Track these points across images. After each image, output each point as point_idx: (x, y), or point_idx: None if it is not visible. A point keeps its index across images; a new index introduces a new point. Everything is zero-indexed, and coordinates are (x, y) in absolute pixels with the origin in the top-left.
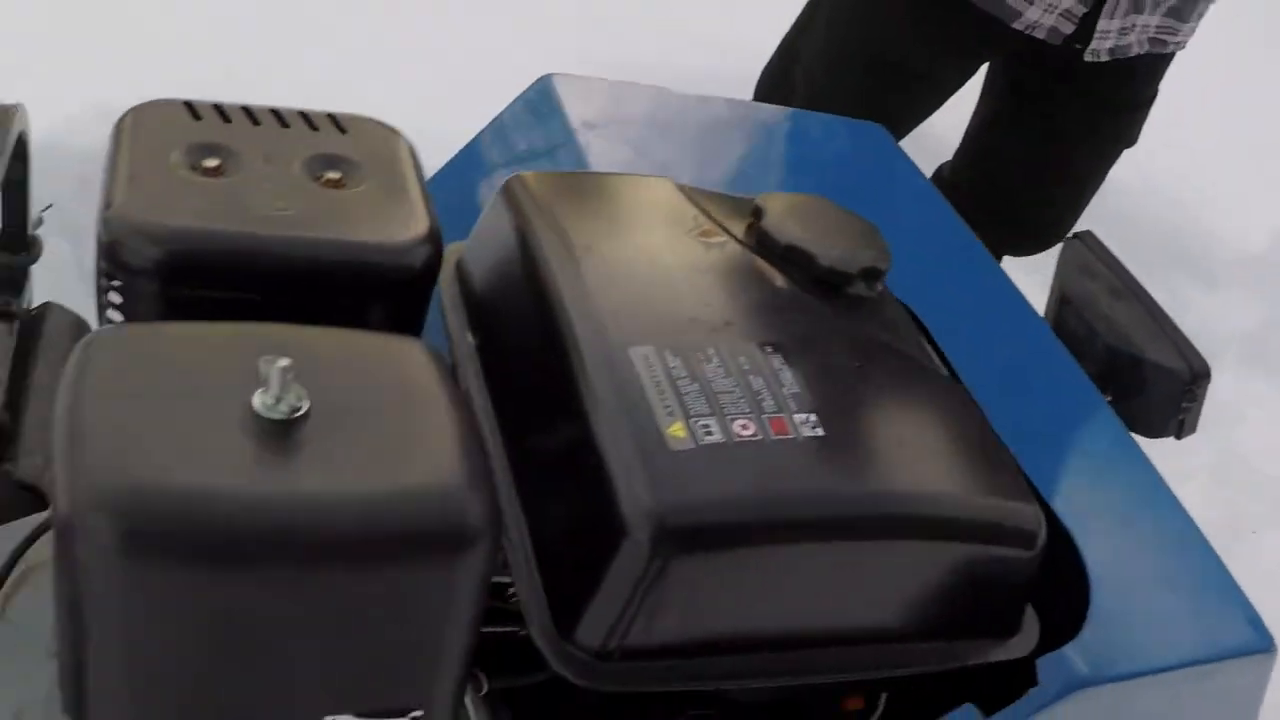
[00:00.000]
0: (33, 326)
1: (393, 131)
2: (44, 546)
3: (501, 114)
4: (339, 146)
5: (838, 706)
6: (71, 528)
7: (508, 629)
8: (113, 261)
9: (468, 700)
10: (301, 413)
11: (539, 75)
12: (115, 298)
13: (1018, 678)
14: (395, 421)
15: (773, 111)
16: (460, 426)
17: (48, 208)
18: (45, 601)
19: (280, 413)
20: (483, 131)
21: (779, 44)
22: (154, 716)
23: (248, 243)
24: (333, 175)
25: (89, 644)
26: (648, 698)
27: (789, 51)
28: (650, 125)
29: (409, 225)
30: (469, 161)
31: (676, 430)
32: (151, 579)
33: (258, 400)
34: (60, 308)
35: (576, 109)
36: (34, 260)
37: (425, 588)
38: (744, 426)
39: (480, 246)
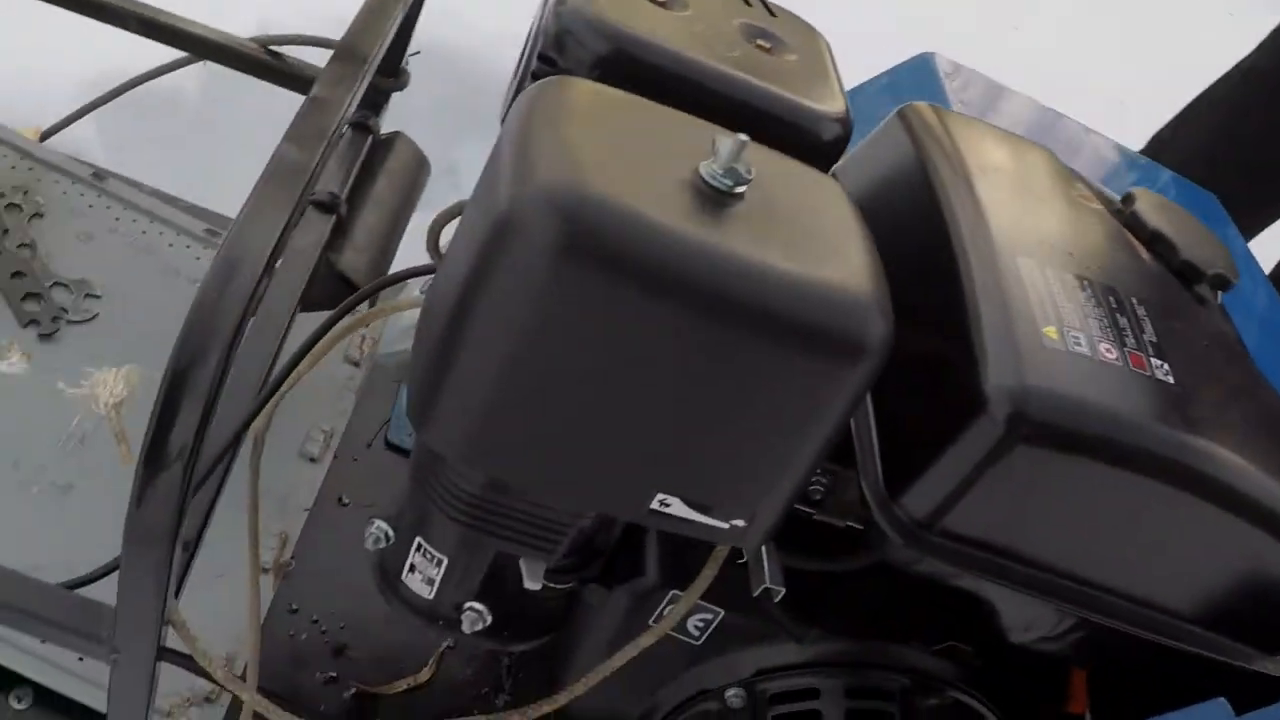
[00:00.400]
0: (383, 146)
1: (813, 28)
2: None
3: (876, 78)
4: (769, 24)
5: (1062, 705)
6: (510, 224)
7: (803, 509)
8: (559, 50)
9: (763, 548)
10: (741, 189)
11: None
12: None
13: (1274, 683)
14: (818, 232)
15: (1124, 151)
16: (873, 257)
17: (416, 53)
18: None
19: (724, 183)
20: (853, 89)
21: (1163, 128)
22: (501, 435)
23: (690, 64)
24: (763, 44)
25: (471, 344)
26: (916, 611)
27: (1176, 129)
28: (1016, 124)
29: (829, 102)
30: None
31: (1051, 331)
32: (573, 286)
33: (705, 167)
34: (409, 139)
35: (955, 88)
36: (400, 88)
37: (807, 384)
38: (1108, 350)
39: (866, 158)
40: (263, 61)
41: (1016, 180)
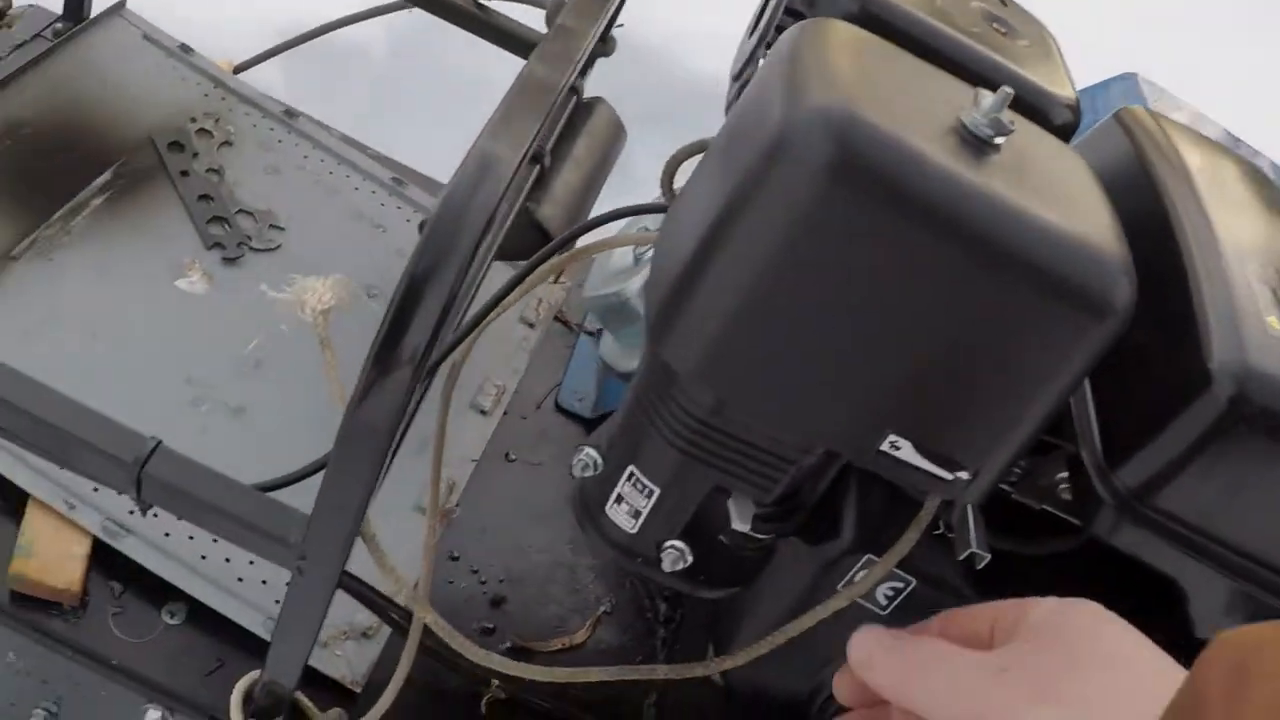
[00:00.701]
0: (585, 109)
1: (1041, 23)
2: None
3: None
4: (1002, 12)
5: None
6: (782, 142)
7: (1002, 486)
8: (809, 5)
9: (970, 512)
10: (1001, 140)
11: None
12: None
13: None
14: (1068, 192)
15: None
16: (1118, 223)
17: (621, 25)
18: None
19: (985, 132)
20: None
21: None
22: (741, 354)
23: (935, 32)
24: (999, 28)
25: (724, 260)
26: (1105, 598)
27: None
28: None
29: (1061, 87)
30: None
31: (1274, 322)
32: (839, 207)
33: (966, 115)
34: (610, 105)
35: (1155, 109)
36: (607, 54)
37: (1053, 337)
38: None
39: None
40: (470, 13)
41: (1232, 184)
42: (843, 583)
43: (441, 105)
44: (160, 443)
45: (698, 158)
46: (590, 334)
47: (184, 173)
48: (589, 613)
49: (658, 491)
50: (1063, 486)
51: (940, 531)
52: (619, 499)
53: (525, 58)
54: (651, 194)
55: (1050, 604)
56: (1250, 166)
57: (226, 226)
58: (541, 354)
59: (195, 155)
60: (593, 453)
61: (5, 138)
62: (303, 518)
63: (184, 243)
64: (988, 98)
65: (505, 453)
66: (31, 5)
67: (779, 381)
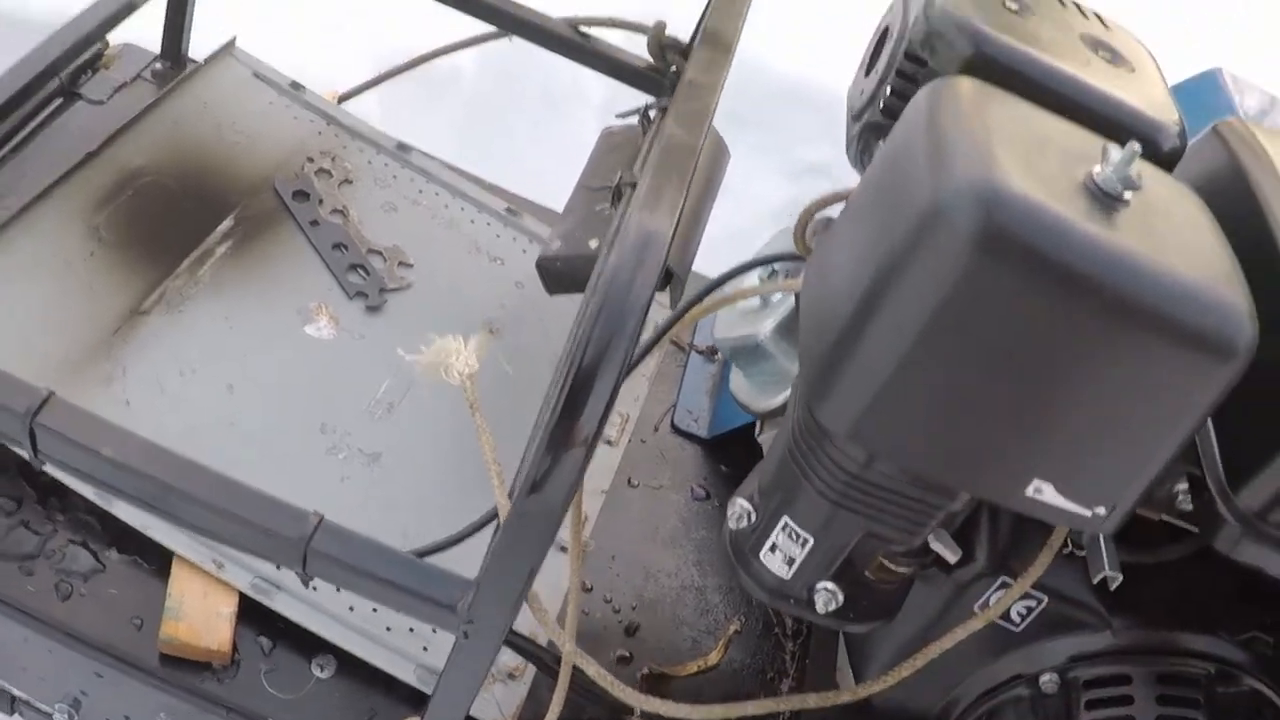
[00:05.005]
0: None
1: (1141, 42)
2: None
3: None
4: (1105, 36)
5: None
6: (935, 215)
7: None
8: (929, 50)
9: (1101, 537)
10: (1130, 195)
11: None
12: (901, 86)
13: None
14: (1189, 238)
15: None
16: (1236, 265)
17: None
18: None
19: (1115, 188)
20: None
21: None
22: (894, 413)
23: (1050, 71)
24: (1104, 55)
25: (879, 326)
26: (1223, 602)
27: None
28: None
29: (1167, 114)
30: None
31: None
32: (989, 275)
33: (1098, 172)
34: (714, 128)
35: (1245, 102)
36: None
37: (1184, 380)
38: None
39: (1185, 168)
40: (570, 40)
41: None
42: (979, 604)
43: (536, 123)
44: (323, 519)
45: (832, 208)
46: (701, 352)
47: (313, 222)
48: (720, 633)
49: (811, 540)
50: (1181, 497)
51: (1069, 551)
52: (773, 548)
53: (624, 81)
54: (736, 201)
55: None
56: None
57: (364, 273)
58: (658, 378)
59: (320, 202)
60: (745, 504)
61: (126, 188)
62: (468, 584)
63: (310, 289)
64: (1116, 153)
65: (628, 479)
66: (127, 44)
67: (931, 439)
